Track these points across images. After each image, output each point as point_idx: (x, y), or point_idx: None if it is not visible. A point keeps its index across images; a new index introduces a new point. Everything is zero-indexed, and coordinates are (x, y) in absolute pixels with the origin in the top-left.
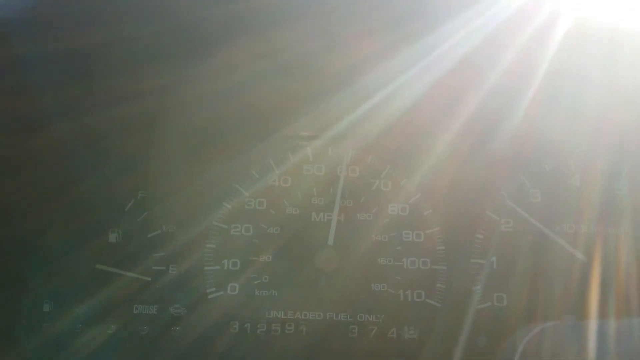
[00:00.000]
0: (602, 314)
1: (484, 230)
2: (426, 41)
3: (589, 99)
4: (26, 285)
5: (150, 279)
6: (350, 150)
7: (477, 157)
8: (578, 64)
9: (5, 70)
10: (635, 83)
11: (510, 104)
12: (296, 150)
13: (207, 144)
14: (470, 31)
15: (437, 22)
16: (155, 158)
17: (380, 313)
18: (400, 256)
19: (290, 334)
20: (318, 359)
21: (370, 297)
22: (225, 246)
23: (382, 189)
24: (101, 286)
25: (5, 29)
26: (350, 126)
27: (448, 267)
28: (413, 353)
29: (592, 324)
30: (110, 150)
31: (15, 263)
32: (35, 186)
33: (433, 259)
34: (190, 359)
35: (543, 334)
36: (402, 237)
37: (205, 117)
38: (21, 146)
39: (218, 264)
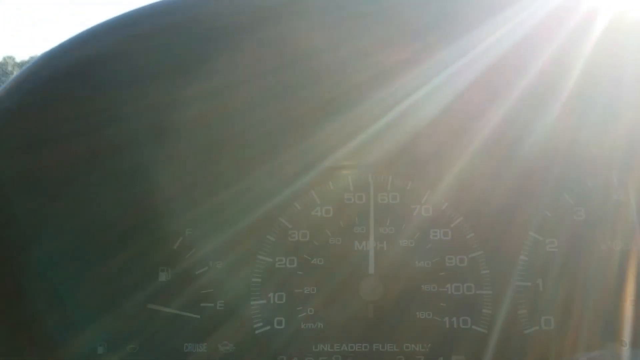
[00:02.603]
0: None
1: (528, 251)
2: (448, 56)
3: (626, 106)
4: (81, 329)
5: (199, 316)
6: (390, 177)
7: (518, 176)
8: (612, 69)
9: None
10: None
11: (544, 118)
12: (337, 180)
13: (251, 180)
14: (497, 39)
15: (464, 30)
16: (202, 195)
17: (427, 342)
18: (445, 282)
19: None
20: None
21: (416, 325)
22: (271, 279)
23: (423, 214)
24: (153, 326)
25: None
26: (389, 153)
27: (493, 291)
28: None
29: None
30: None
31: (69, 308)
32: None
33: (477, 284)
34: None
35: None
36: (445, 263)
37: (244, 150)
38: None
39: (264, 298)
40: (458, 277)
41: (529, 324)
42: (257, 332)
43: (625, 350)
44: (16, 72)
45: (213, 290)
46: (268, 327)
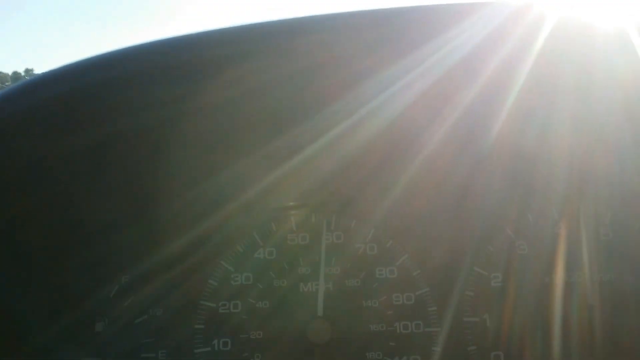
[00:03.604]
0: None
1: (473, 287)
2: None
3: (566, 143)
4: None
5: None
6: (334, 216)
7: (462, 212)
8: (551, 105)
9: None
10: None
11: (487, 152)
12: (279, 220)
13: (189, 222)
14: (432, 64)
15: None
16: (137, 240)
17: None
18: (393, 321)
19: None
20: None
21: None
22: (214, 326)
23: (368, 252)
24: None
25: None
26: (332, 192)
27: (441, 328)
28: None
29: None
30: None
31: None
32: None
33: (426, 322)
34: None
35: None
36: (392, 301)
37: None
38: None
39: (208, 345)
40: (406, 316)
41: None
42: None
43: None
44: None
45: (154, 339)
46: None
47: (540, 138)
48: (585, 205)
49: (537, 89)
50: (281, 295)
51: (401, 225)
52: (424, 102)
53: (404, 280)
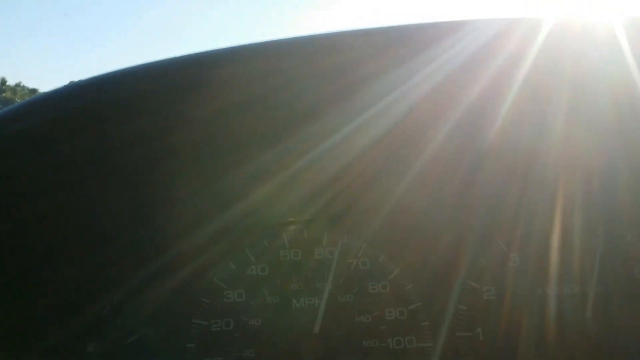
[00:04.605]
0: None
1: (466, 300)
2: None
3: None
4: None
5: None
6: (325, 232)
7: (454, 226)
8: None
9: None
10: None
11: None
12: (271, 237)
13: (181, 240)
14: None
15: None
16: (129, 258)
17: None
18: (385, 337)
19: None
20: None
21: None
22: (206, 344)
23: (360, 267)
24: None
25: None
26: (322, 209)
27: (434, 343)
28: None
29: None
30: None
31: None
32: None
33: (418, 336)
34: None
35: None
36: (385, 316)
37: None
38: None
39: None
40: (399, 331)
41: None
42: None
43: None
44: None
45: (145, 359)
46: None
47: (532, 150)
48: (577, 217)
49: (530, 101)
50: (274, 312)
51: (393, 240)
52: (416, 115)
53: (397, 295)
